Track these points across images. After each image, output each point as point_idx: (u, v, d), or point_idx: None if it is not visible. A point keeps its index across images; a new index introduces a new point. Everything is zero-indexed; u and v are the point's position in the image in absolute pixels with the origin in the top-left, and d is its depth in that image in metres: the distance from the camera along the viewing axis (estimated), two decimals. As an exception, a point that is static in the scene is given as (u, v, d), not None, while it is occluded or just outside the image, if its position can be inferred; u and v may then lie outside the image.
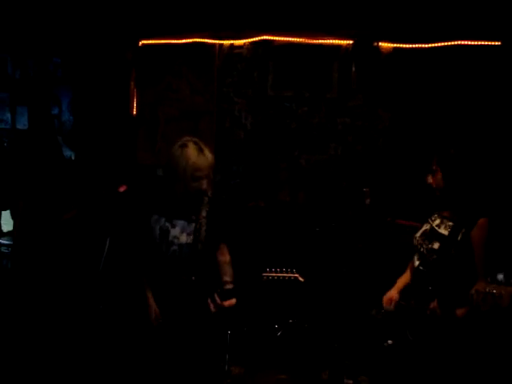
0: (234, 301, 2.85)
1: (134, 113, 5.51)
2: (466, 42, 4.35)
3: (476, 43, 4.34)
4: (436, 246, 2.85)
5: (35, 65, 5.91)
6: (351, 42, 4.67)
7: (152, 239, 2.91)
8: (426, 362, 2.80)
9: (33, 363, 3.75)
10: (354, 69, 4.69)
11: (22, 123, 6.07)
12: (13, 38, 5.83)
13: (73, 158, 5.19)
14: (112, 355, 3.78)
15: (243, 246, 3.17)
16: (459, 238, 2.77)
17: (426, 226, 3.00)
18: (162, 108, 5.41)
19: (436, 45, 4.42)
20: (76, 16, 5.33)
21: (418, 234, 3.01)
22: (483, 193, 2.90)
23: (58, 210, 4.28)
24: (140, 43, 5.40)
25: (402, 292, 3.05)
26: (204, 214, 2.90)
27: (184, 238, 2.88)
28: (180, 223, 2.90)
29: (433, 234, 2.91)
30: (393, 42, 4.57)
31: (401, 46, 4.56)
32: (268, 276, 2.58)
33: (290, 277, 2.55)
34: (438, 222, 2.93)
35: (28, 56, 5.92)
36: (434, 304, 2.69)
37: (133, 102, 5.51)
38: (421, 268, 2.92)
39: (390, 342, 2.95)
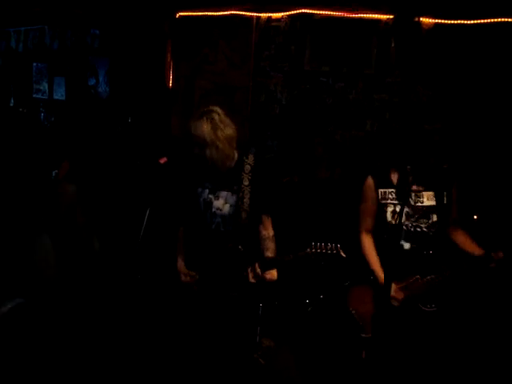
0: (275, 273, 2.85)
1: (170, 85, 5.52)
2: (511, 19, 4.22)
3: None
4: (435, 218, 2.98)
5: (73, 36, 5.96)
6: (391, 16, 4.56)
7: (197, 211, 2.96)
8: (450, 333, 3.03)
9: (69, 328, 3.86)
10: (393, 44, 4.61)
11: (60, 93, 6.15)
12: (51, 9, 5.87)
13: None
14: (147, 324, 3.86)
15: (280, 220, 3.15)
16: (445, 201, 3.00)
17: (406, 209, 2.99)
18: (198, 81, 5.41)
19: (480, 21, 4.28)
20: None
21: (404, 219, 2.97)
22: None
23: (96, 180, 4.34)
24: (177, 15, 5.37)
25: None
26: (246, 182, 2.91)
27: (227, 209, 2.91)
28: (223, 194, 2.93)
29: (423, 210, 3.00)
30: (434, 18, 4.43)
31: (443, 21, 4.41)
32: (312, 250, 2.57)
33: (332, 251, 2.54)
34: (413, 198, 3.02)
35: (66, 27, 5.97)
36: (499, 253, 2.78)
37: (169, 74, 5.51)
38: (415, 246, 3.00)
39: None
